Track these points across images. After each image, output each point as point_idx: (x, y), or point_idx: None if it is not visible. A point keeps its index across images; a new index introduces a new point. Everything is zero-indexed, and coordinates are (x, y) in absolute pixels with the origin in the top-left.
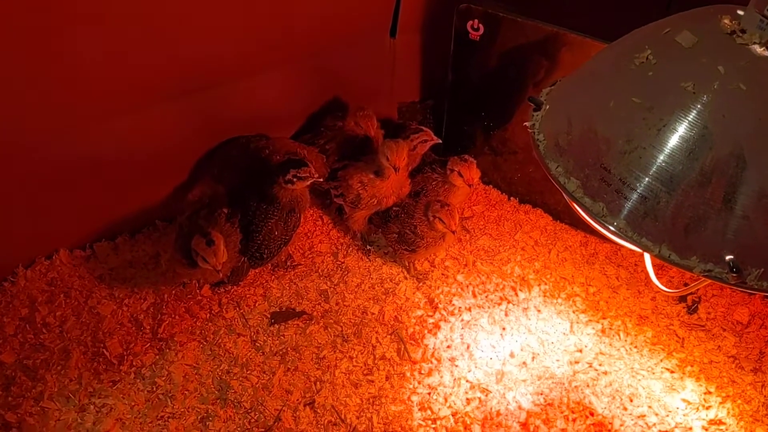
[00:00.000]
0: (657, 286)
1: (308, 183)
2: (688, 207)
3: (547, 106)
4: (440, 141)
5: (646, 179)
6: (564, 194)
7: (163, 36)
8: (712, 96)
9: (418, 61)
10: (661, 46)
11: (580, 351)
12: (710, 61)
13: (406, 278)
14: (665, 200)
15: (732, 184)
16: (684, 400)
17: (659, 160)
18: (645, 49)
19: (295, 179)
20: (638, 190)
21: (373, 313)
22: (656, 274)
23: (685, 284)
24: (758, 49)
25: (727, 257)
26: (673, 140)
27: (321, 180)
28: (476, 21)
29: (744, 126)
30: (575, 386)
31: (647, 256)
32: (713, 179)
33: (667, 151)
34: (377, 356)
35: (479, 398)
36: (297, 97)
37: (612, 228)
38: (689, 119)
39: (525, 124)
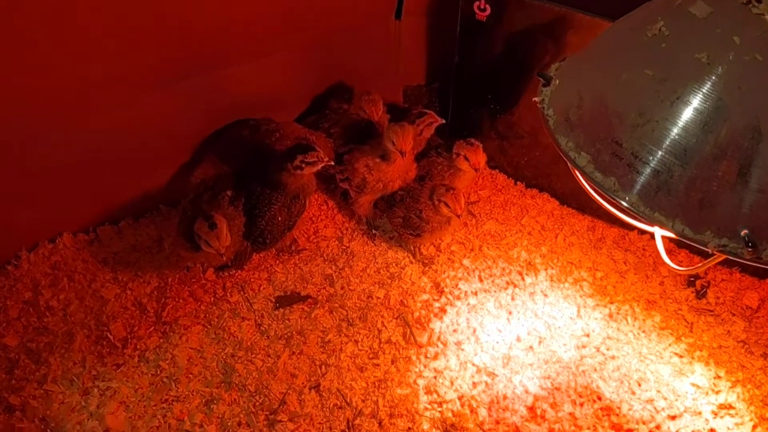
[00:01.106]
0: (668, 265)
1: (318, 168)
2: (702, 181)
3: (557, 81)
4: (444, 121)
5: (659, 153)
6: (574, 170)
7: (167, 18)
8: (727, 67)
9: (424, 44)
10: (674, 17)
11: (588, 335)
12: (725, 32)
13: (411, 262)
14: (678, 174)
15: (747, 157)
16: (693, 385)
17: (673, 133)
18: (657, 21)
19: (303, 165)
20: (651, 164)
21: (378, 298)
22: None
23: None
24: None
25: (742, 232)
26: (687, 113)
27: (332, 164)
28: (483, 1)
29: (760, 97)
30: (582, 370)
31: (658, 236)
32: (728, 152)
33: (680, 123)
34: (383, 340)
35: (486, 382)
36: (301, 79)
37: (624, 203)
38: (704, 91)
39: (534, 99)
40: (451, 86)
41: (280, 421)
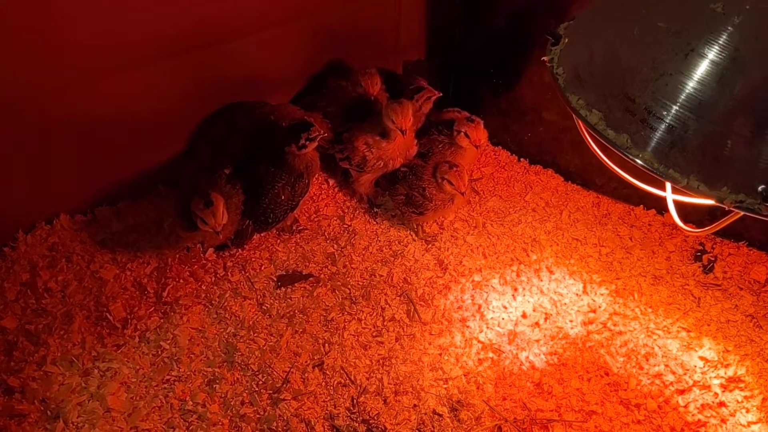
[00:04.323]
0: (682, 230)
1: (317, 142)
2: (718, 135)
3: (566, 39)
4: (440, 93)
5: (674, 107)
6: (583, 130)
7: None
8: (744, 17)
9: (424, 18)
10: None
11: (594, 311)
12: None
13: (414, 240)
14: (694, 128)
15: (765, 110)
16: (702, 358)
17: (688, 87)
18: None
19: (307, 143)
20: (665, 120)
21: (381, 275)
22: (670, 234)
23: (701, 245)
24: None
25: (760, 187)
26: (703, 65)
27: (327, 136)
28: None
29: None
30: (589, 346)
31: (670, 200)
32: (745, 105)
33: (695, 76)
34: (386, 318)
35: (491, 358)
36: (298, 56)
37: (637, 161)
38: (719, 42)
39: (543, 58)
40: (453, 61)
41: (284, 399)
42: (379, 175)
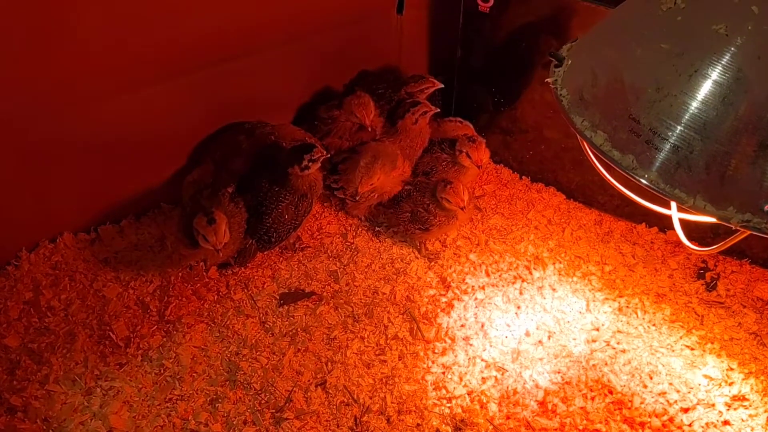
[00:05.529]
0: (687, 249)
1: (320, 162)
2: (724, 155)
3: (569, 61)
4: (438, 110)
5: (678, 128)
6: (588, 151)
7: (165, 11)
8: (746, 38)
9: (426, 38)
10: None
11: (597, 329)
12: (743, 1)
13: (417, 258)
14: (699, 149)
15: None
16: (706, 377)
17: (692, 107)
18: None
19: (310, 164)
20: (670, 140)
21: (384, 293)
22: (673, 252)
23: (704, 263)
24: None
25: (766, 207)
26: (706, 86)
27: (329, 155)
28: None
29: None
30: (593, 364)
31: (675, 219)
32: (749, 125)
33: (699, 97)
34: (389, 336)
35: (495, 377)
36: (300, 77)
37: (643, 181)
38: (722, 63)
39: (547, 80)
40: (454, 80)
41: (287, 418)
42: (374, 204)
